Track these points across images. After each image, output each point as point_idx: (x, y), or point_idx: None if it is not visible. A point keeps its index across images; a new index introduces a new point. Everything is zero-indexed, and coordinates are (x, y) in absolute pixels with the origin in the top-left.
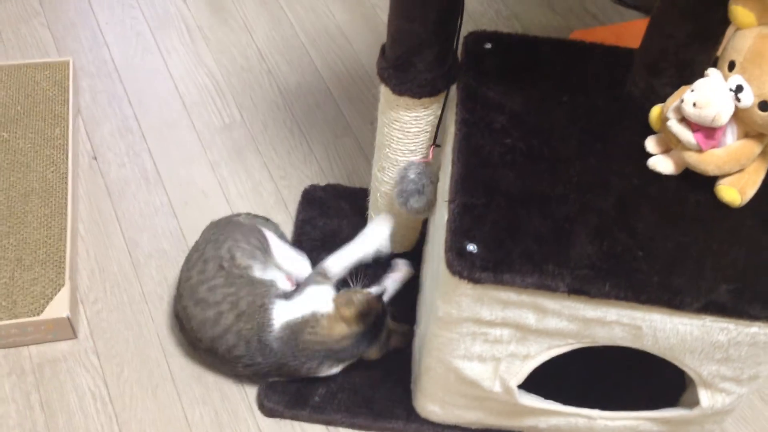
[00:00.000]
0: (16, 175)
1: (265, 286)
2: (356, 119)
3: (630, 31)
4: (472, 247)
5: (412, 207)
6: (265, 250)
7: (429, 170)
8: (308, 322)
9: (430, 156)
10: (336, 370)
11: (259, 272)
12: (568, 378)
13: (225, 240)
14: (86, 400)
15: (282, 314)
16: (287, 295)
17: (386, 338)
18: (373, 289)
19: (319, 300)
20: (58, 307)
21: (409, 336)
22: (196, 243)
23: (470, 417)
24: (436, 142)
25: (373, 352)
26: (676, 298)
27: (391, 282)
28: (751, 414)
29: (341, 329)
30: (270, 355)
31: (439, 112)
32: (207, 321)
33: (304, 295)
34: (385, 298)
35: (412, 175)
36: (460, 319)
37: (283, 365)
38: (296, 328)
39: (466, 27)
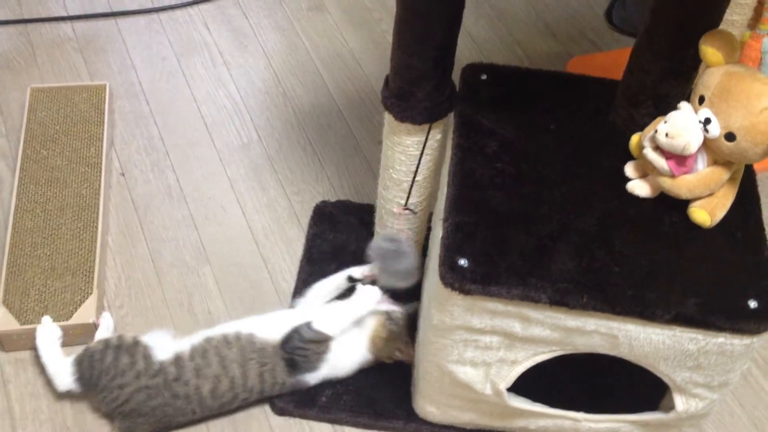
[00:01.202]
0: (52, 190)
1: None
2: (365, 139)
3: (627, 57)
4: (463, 262)
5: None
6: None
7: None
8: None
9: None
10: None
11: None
12: (556, 383)
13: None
14: None
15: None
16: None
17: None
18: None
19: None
20: (85, 314)
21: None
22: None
23: (465, 418)
24: (407, 206)
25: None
26: (647, 310)
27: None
28: (731, 420)
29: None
30: None
31: (438, 137)
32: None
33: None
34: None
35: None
36: (453, 327)
37: None
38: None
39: (470, 52)
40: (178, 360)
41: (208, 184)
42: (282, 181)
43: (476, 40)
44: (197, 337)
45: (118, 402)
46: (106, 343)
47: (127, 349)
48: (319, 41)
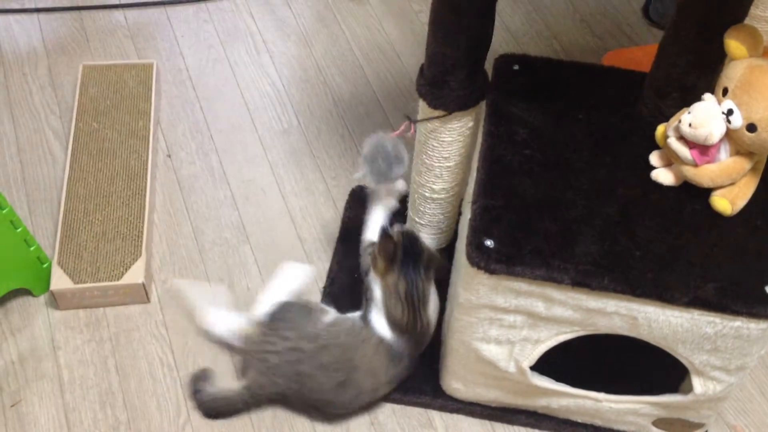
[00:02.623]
0: (104, 161)
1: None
2: None
3: None
4: (489, 243)
5: (396, 175)
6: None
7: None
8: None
9: (401, 130)
10: (432, 307)
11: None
12: (579, 364)
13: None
14: (155, 365)
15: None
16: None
17: (428, 257)
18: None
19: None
20: (134, 275)
21: (442, 262)
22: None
23: (490, 395)
24: (411, 119)
25: (433, 263)
26: (666, 292)
27: (382, 208)
28: (751, 406)
29: (391, 278)
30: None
31: (470, 124)
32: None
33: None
34: (383, 218)
35: (389, 148)
36: (478, 305)
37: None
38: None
39: (508, 45)
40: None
41: (249, 167)
42: (320, 166)
43: (513, 34)
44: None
45: (273, 350)
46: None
47: (310, 310)
48: (360, 32)
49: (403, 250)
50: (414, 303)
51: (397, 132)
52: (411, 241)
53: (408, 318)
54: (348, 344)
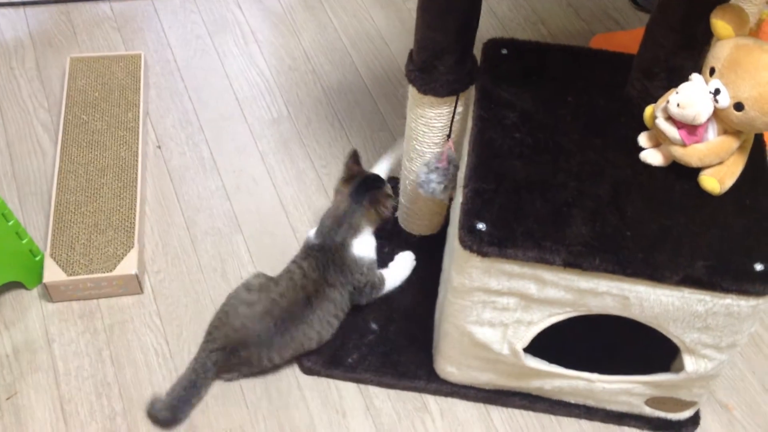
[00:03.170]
0: (93, 153)
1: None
2: (391, 115)
3: None
4: (481, 226)
5: (438, 195)
6: None
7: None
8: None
9: (449, 145)
10: (363, 248)
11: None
12: (571, 345)
13: None
14: (150, 355)
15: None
16: None
17: (381, 196)
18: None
19: None
20: (127, 266)
21: (393, 203)
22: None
23: (483, 378)
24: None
25: (380, 202)
26: (657, 272)
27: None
28: (742, 385)
29: (341, 195)
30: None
31: (460, 110)
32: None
33: None
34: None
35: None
36: (471, 289)
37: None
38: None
39: (495, 31)
40: None
41: (240, 156)
42: (310, 155)
43: (501, 19)
44: None
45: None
46: None
47: None
48: (348, 20)
49: (363, 181)
50: (340, 223)
51: (444, 155)
52: (375, 179)
53: (329, 233)
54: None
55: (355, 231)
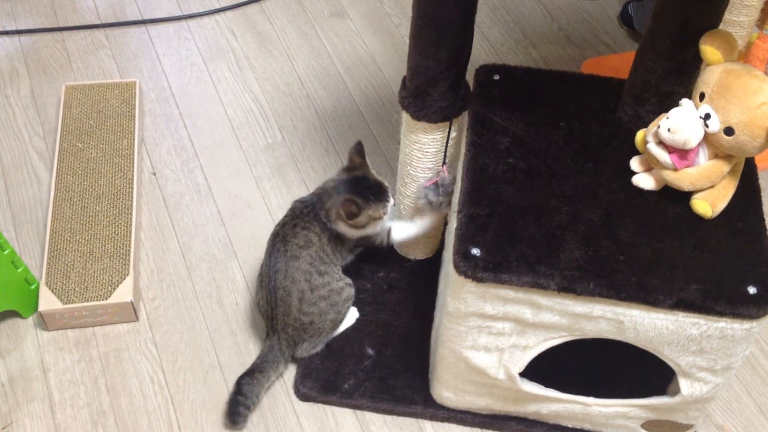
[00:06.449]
0: (89, 180)
1: None
2: (385, 139)
3: None
4: (476, 251)
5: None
6: None
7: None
8: None
9: (444, 170)
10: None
11: None
12: (567, 369)
13: None
14: (146, 383)
15: None
16: None
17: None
18: None
19: None
20: (123, 293)
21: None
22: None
23: (480, 403)
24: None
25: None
26: (651, 296)
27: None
28: (738, 406)
29: (332, 183)
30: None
31: (454, 135)
32: None
33: None
34: None
35: (432, 197)
36: (467, 314)
37: None
38: None
39: (487, 56)
40: None
41: (234, 182)
42: (305, 180)
43: (493, 45)
44: None
45: None
46: None
47: None
48: (341, 46)
49: (353, 180)
50: (326, 194)
51: (435, 179)
52: (363, 185)
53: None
54: None
55: (330, 220)
